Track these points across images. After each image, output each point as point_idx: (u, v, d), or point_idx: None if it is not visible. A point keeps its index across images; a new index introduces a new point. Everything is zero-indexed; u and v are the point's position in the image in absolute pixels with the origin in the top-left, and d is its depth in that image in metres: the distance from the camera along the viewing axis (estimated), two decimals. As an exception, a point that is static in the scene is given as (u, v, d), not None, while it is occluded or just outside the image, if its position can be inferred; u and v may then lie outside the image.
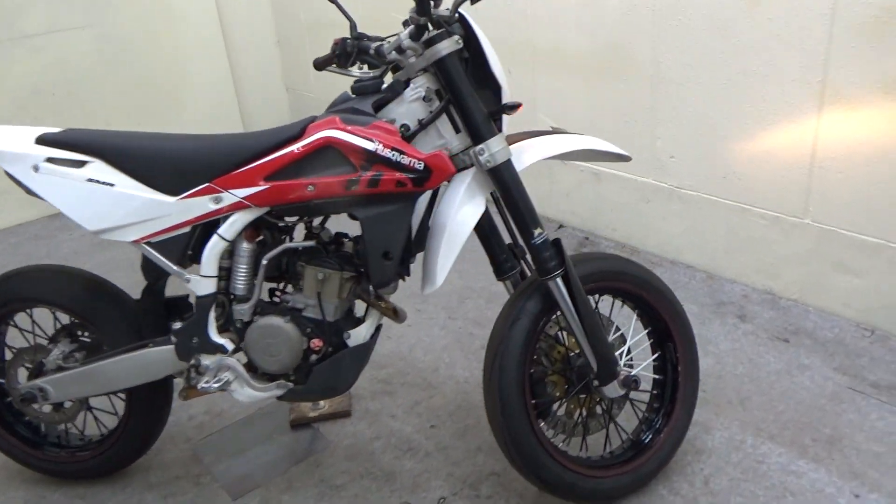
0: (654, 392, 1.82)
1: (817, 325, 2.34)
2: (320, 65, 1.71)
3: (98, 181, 1.58)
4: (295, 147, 1.49)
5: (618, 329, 1.78)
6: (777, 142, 2.31)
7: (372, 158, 1.45)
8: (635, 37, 2.59)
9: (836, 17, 2.05)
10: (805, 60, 2.15)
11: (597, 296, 1.73)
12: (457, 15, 1.49)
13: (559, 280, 1.55)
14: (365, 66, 1.64)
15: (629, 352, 1.78)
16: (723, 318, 2.44)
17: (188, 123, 4.24)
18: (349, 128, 1.46)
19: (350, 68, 1.65)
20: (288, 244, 1.61)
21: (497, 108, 1.51)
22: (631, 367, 1.75)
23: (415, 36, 1.47)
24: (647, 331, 1.82)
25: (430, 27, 1.47)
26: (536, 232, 1.52)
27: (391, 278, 1.52)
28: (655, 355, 1.82)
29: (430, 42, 1.45)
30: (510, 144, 1.59)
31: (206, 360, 1.65)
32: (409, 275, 1.60)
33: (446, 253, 1.50)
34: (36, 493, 1.93)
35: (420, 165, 1.43)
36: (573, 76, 2.87)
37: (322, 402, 2.14)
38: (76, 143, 1.60)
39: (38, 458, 1.91)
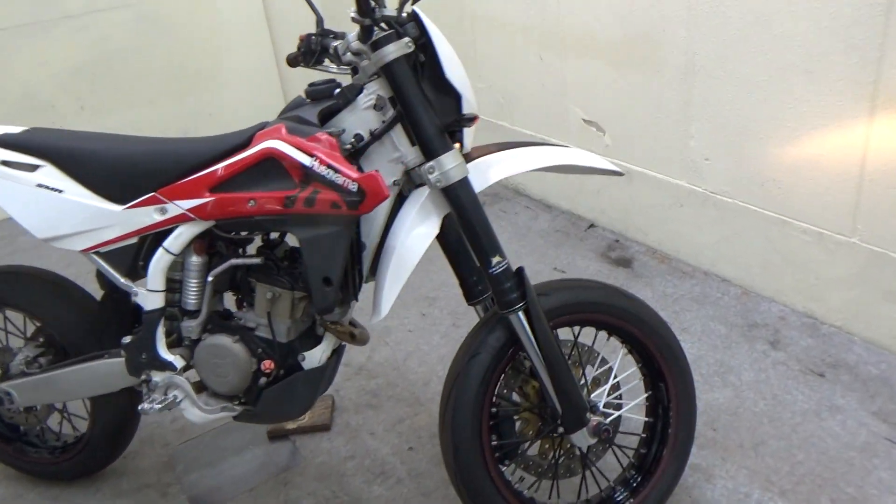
0: (643, 436, 1.62)
1: (861, 359, 2.05)
2: (291, 62, 1.59)
3: (47, 187, 1.52)
4: (238, 157, 1.37)
5: (605, 361, 1.59)
6: (822, 148, 2.01)
7: (309, 175, 1.30)
8: (668, 23, 2.31)
9: (892, 7, 1.73)
10: (855, 57, 1.84)
11: (577, 328, 1.54)
12: (407, 14, 1.31)
13: (521, 314, 1.37)
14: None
15: (618, 387, 1.59)
16: (752, 342, 2.18)
17: (229, 103, 4.20)
18: (291, 139, 1.33)
19: (330, 65, 1.52)
20: (233, 260, 1.50)
21: (452, 120, 1.33)
22: (619, 406, 1.56)
23: (363, 38, 1.31)
24: (638, 366, 1.62)
25: (378, 28, 1.30)
26: (495, 260, 1.34)
27: (333, 304, 1.38)
28: (647, 394, 1.61)
29: (377, 44, 1.29)
30: (479, 157, 1.41)
31: (157, 377, 1.58)
32: (356, 300, 1.46)
33: (392, 280, 1.35)
34: (14, 492, 1.94)
35: (354, 186, 1.27)
36: (603, 64, 2.62)
37: (302, 414, 2.05)
38: (30, 146, 1.54)
39: (16, 458, 1.91)
